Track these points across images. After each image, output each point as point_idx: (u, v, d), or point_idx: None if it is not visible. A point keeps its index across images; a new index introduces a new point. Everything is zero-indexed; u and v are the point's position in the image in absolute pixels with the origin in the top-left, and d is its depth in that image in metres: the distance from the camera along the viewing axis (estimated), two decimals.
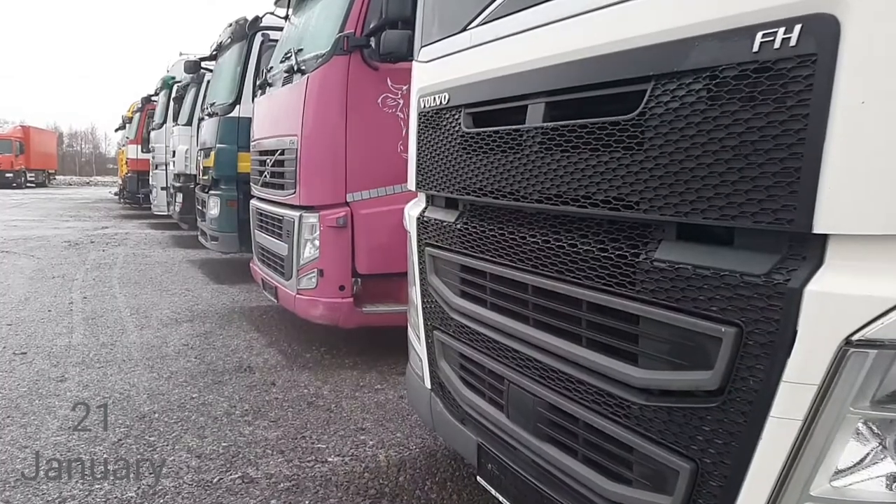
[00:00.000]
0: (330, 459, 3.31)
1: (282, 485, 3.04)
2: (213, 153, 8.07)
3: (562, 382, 1.84)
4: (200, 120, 9.87)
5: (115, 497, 2.91)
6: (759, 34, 1.22)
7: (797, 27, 1.16)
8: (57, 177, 49.92)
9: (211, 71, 9.64)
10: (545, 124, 1.80)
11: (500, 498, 2.18)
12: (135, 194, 18.87)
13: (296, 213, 4.88)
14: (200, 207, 9.22)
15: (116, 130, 28.30)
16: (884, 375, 1.14)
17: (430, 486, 3.04)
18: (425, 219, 2.59)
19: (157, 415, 3.85)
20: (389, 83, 4.55)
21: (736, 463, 1.34)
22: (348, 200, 4.65)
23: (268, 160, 5.50)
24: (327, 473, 3.16)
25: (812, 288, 1.19)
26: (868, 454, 1.20)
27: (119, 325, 5.94)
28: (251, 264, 6.34)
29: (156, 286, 7.87)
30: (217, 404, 4.04)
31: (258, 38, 7.73)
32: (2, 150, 37.12)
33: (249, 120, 6.84)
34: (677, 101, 1.40)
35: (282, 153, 5.14)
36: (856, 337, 1.13)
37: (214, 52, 9.17)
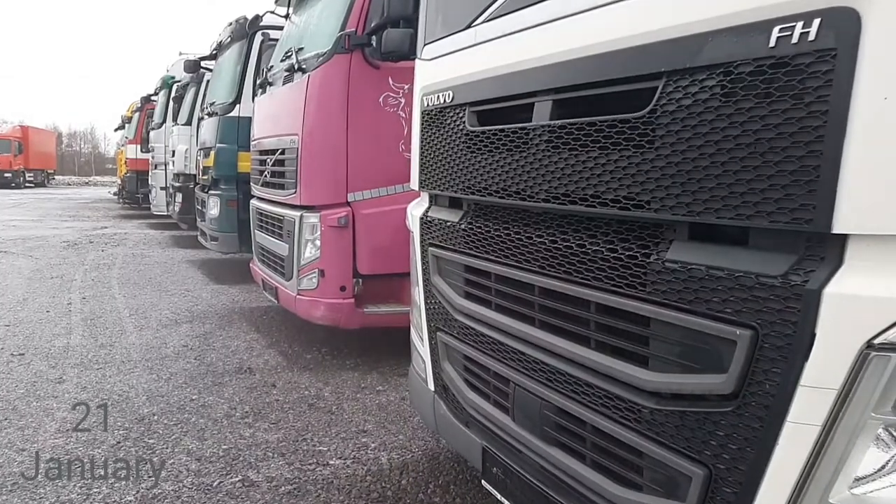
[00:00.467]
0: (331, 462, 3.28)
1: (283, 488, 3.01)
2: (212, 153, 8.05)
3: (569, 385, 1.81)
4: (200, 119, 9.85)
5: (114, 500, 2.88)
6: (776, 28, 1.19)
7: (816, 21, 1.13)
8: (56, 177, 49.91)
9: (211, 70, 9.62)
10: (552, 122, 1.77)
11: (506, 502, 2.15)
12: (134, 194, 18.88)
13: (296, 213, 4.85)
14: (200, 207, 9.19)
15: (116, 130, 28.32)
16: None
17: (434, 490, 3.01)
18: (429, 219, 2.56)
19: (156, 417, 3.82)
20: (391, 82, 4.53)
21: (751, 469, 1.31)
22: (349, 200, 4.63)
23: (268, 160, 5.47)
24: (329, 476, 3.13)
25: (831, 290, 1.15)
26: (889, 461, 1.17)
27: (118, 326, 5.91)
28: (251, 264, 6.31)
29: (155, 287, 7.84)
30: (217, 406, 4.00)
31: (258, 38, 7.72)
32: (0, 149, 37.10)
33: (249, 119, 6.81)
34: (690, 98, 1.37)
35: (282, 153, 5.11)
36: (878, 340, 1.10)
37: (214, 52, 9.15)
